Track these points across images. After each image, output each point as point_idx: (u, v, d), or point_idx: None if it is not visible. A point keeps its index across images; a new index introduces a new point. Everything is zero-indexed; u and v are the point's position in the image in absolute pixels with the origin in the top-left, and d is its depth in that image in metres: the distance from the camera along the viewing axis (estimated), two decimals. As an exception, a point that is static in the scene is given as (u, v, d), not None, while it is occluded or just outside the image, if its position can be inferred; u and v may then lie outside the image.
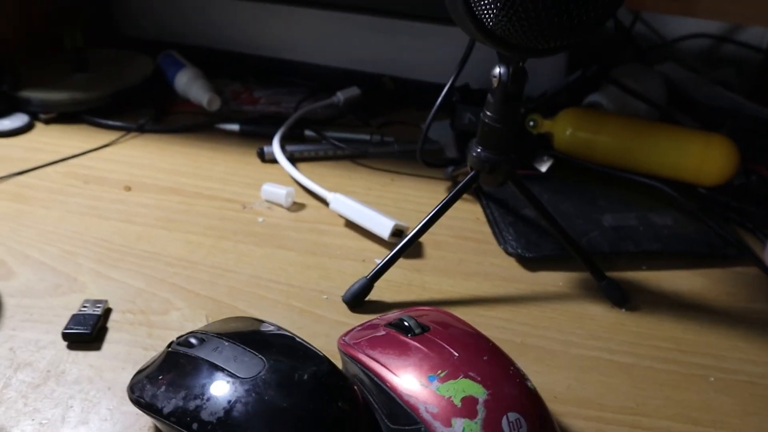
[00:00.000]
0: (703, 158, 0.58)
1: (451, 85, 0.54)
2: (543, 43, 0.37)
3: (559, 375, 0.42)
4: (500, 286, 0.49)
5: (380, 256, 0.51)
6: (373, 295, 0.47)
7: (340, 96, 0.69)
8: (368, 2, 0.72)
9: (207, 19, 0.77)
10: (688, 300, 0.50)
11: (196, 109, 0.70)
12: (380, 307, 0.46)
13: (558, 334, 0.46)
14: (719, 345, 0.46)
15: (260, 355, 0.35)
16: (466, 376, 0.34)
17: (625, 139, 0.60)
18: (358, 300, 0.45)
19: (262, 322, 0.40)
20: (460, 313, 0.46)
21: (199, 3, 0.77)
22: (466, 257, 0.52)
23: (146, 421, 0.36)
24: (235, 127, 0.66)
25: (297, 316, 0.45)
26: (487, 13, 0.37)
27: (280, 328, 0.39)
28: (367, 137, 0.65)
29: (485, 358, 0.36)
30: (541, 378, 0.42)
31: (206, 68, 0.74)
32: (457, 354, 0.35)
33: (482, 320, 0.46)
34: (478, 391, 0.33)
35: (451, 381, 0.34)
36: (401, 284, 0.49)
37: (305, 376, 0.34)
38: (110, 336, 0.42)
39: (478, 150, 0.45)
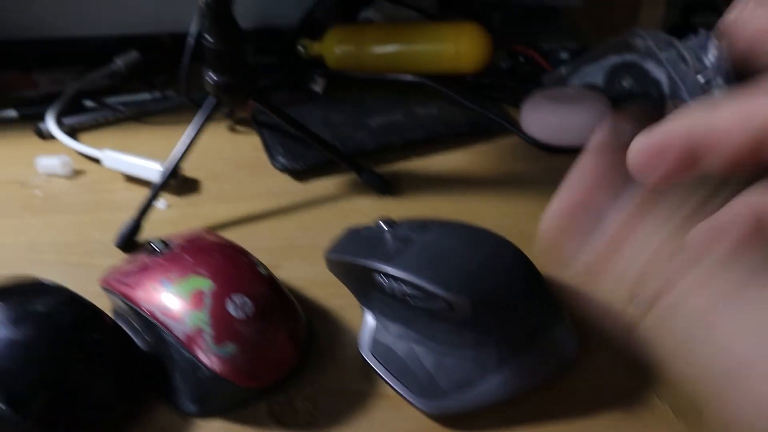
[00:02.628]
0: (456, 46, 0.62)
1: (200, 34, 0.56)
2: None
3: (322, 265, 0.45)
4: (273, 201, 0.52)
5: (157, 199, 0.52)
6: (148, 235, 0.48)
7: (119, 62, 0.69)
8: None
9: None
10: (453, 177, 0.54)
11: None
12: (155, 244, 0.48)
13: (325, 231, 0.48)
14: (479, 208, 0.50)
15: (-5, 302, 0.36)
16: (195, 273, 0.36)
17: (387, 44, 0.64)
18: (127, 241, 0.47)
19: (20, 276, 0.41)
20: (231, 232, 0.49)
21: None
22: (242, 183, 0.54)
23: None
24: (12, 113, 0.65)
25: (71, 270, 0.46)
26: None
27: (35, 276, 0.40)
28: (148, 96, 0.66)
29: (219, 257, 0.38)
30: (305, 272, 0.45)
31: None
32: (191, 260, 0.38)
33: (250, 234, 0.48)
34: (205, 285, 0.36)
35: (180, 280, 0.36)
36: (177, 220, 0.50)
37: (40, 308, 0.35)
38: None
39: (212, 76, 0.47)
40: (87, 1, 0.73)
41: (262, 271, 0.38)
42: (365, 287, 0.38)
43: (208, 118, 0.49)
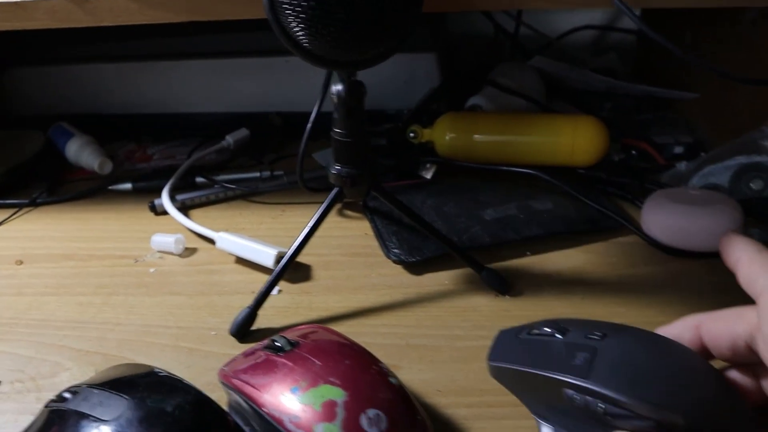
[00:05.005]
0: (573, 140, 0.60)
1: (318, 110, 0.56)
2: (356, 53, 0.40)
3: (443, 369, 0.43)
4: (386, 294, 0.50)
5: (269, 285, 0.52)
6: (262, 323, 0.47)
7: (230, 139, 0.71)
8: (242, 46, 0.74)
9: (97, 87, 0.78)
10: (571, 277, 0.52)
11: (90, 175, 0.71)
12: (269, 333, 0.46)
13: (443, 330, 0.47)
14: (598, 314, 0.48)
15: (125, 396, 0.35)
16: (326, 382, 0.35)
17: (499, 135, 0.63)
18: (243, 330, 0.46)
19: (141, 365, 0.40)
20: (345, 326, 0.47)
21: (88, 72, 0.78)
22: (354, 272, 0.53)
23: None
24: (128, 186, 0.67)
25: (185, 356, 0.45)
26: (300, 36, 0.39)
27: (156, 369, 0.39)
28: (257, 174, 0.67)
29: (347, 362, 0.37)
30: (424, 375, 0.43)
31: (101, 134, 0.75)
32: (320, 363, 0.36)
33: (367, 329, 0.47)
34: (337, 394, 0.34)
35: (312, 389, 0.35)
36: (289, 308, 0.50)
37: (169, 409, 0.34)
38: (-2, 408, 0.42)
39: (337, 167, 0.47)
40: (198, 81, 0.76)
41: (393, 381, 0.36)
42: (546, 399, 0.35)
43: (330, 208, 0.49)
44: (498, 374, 0.38)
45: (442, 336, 0.46)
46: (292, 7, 0.37)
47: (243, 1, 0.50)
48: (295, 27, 0.38)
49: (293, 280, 0.52)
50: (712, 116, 0.70)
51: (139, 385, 0.36)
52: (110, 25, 0.52)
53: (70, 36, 0.53)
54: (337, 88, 0.44)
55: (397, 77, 0.71)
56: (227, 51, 0.76)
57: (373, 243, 0.57)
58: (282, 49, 0.72)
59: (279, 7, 0.38)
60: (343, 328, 0.45)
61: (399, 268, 0.53)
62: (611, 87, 0.76)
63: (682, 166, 0.62)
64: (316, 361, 0.37)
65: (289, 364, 0.37)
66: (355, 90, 0.43)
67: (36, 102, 0.80)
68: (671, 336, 0.36)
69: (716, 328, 0.34)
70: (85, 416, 0.34)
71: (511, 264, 0.54)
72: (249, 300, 0.49)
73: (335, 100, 0.44)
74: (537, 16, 0.98)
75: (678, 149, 0.68)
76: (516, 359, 0.37)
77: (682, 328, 0.35)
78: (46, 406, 0.38)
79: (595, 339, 0.35)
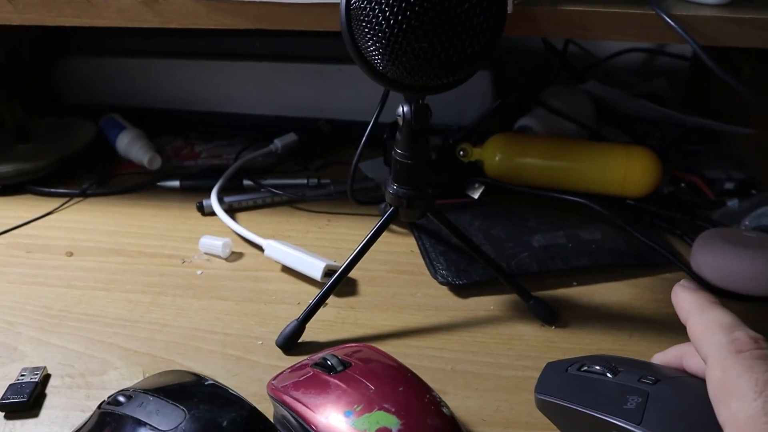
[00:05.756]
0: (626, 171, 0.60)
1: (374, 122, 0.56)
2: (432, 80, 0.39)
3: (488, 398, 0.43)
4: (432, 316, 0.51)
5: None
6: (307, 336, 0.48)
7: (278, 143, 0.71)
8: (296, 51, 0.74)
9: (148, 81, 0.79)
10: (618, 311, 0.52)
11: (138, 170, 0.72)
12: (314, 347, 0.47)
13: (488, 357, 0.47)
14: (646, 353, 0.47)
15: (182, 406, 0.36)
16: (381, 408, 0.35)
17: (550, 160, 0.62)
18: (290, 343, 0.47)
19: (190, 373, 0.41)
20: (391, 345, 0.48)
21: (139, 66, 0.79)
22: (400, 290, 0.53)
23: (78, 483, 0.37)
24: (176, 183, 0.68)
25: (232, 365, 0.46)
26: (375, 59, 0.39)
27: (205, 377, 0.40)
28: (304, 181, 0.67)
29: (401, 389, 0.37)
30: (470, 402, 0.43)
31: (149, 128, 0.75)
32: (373, 387, 0.37)
33: (413, 351, 0.47)
34: (392, 422, 0.34)
35: (366, 414, 0.35)
36: (335, 323, 0.50)
37: (224, 423, 0.35)
38: (48, 402, 0.43)
39: (395, 186, 0.47)
40: (249, 83, 0.76)
41: (446, 411, 0.36)
42: None
43: (384, 228, 0.49)
44: (545, 408, 0.38)
45: (487, 363, 0.46)
46: (374, 31, 0.37)
47: (316, 12, 0.50)
48: (372, 49, 0.38)
49: (339, 294, 0.53)
50: (766, 153, 0.70)
51: (194, 396, 0.37)
52: (177, 27, 0.53)
53: (125, 29, 0.53)
54: (403, 109, 0.44)
55: (450, 93, 0.71)
56: (279, 54, 0.76)
57: (419, 261, 0.57)
58: (335, 57, 0.73)
59: (358, 26, 0.38)
60: (389, 348, 0.45)
61: (445, 290, 0.54)
62: (664, 117, 0.75)
63: (734, 204, 0.61)
64: (370, 385, 0.37)
65: (343, 386, 0.37)
66: (421, 114, 0.43)
67: (87, 92, 0.81)
68: (663, 362, 0.37)
69: (694, 364, 0.34)
70: (141, 423, 0.35)
71: (557, 293, 0.53)
72: (295, 310, 0.50)
73: (400, 122, 0.44)
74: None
75: (729, 185, 0.67)
76: (565, 395, 0.37)
77: (671, 357, 0.37)
78: (100, 407, 0.38)
79: (648, 383, 0.34)
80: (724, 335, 0.31)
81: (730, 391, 0.28)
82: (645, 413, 0.33)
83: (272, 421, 0.40)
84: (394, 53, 0.37)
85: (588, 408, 0.35)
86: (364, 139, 0.56)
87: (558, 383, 0.38)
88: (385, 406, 0.35)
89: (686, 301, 0.35)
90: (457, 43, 0.37)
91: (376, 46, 0.38)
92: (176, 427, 0.34)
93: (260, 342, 0.48)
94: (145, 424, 0.35)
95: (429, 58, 0.37)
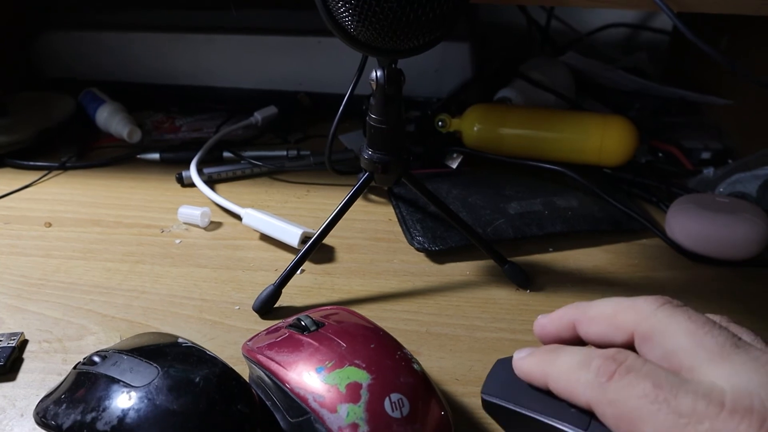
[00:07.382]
0: (602, 139, 0.60)
1: (351, 93, 0.56)
2: (402, 42, 0.40)
3: (462, 358, 0.44)
4: (408, 281, 0.51)
5: (293, 264, 0.52)
6: (284, 301, 0.48)
7: (258, 116, 0.71)
8: (276, 24, 0.74)
9: (127, 55, 0.79)
10: (592, 276, 0.52)
11: (118, 143, 0.72)
12: (291, 311, 0.48)
13: (463, 320, 0.47)
14: (618, 314, 0.48)
15: (155, 364, 0.36)
16: (352, 364, 0.35)
17: (528, 129, 0.63)
18: (266, 307, 0.47)
19: (168, 335, 0.41)
20: (367, 309, 0.48)
21: (119, 40, 0.78)
22: (377, 257, 0.54)
23: (53, 441, 0.37)
24: (155, 156, 0.68)
25: (209, 329, 0.46)
26: (346, 20, 0.39)
27: (183, 339, 0.40)
28: (284, 153, 0.67)
29: (372, 346, 0.37)
30: (444, 363, 0.43)
31: (130, 102, 0.75)
32: (345, 345, 0.37)
33: (388, 314, 0.47)
34: (362, 377, 0.35)
35: (337, 370, 0.35)
36: (311, 288, 0.50)
37: (197, 379, 0.35)
38: (25, 366, 0.43)
39: (369, 152, 0.47)
40: (229, 56, 0.76)
41: (416, 367, 0.37)
42: None
43: (359, 193, 0.49)
44: (491, 410, 0.37)
45: (462, 326, 0.47)
46: (343, -8, 0.37)
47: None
48: (342, 11, 0.38)
49: (316, 261, 0.53)
50: (742, 124, 0.70)
51: (168, 355, 0.37)
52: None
53: (104, 2, 0.53)
54: (376, 73, 0.44)
55: (429, 65, 0.71)
56: (259, 27, 0.76)
57: (397, 229, 0.57)
58: (314, 29, 0.73)
59: (327, -11, 0.38)
60: (365, 312, 0.46)
61: (421, 256, 0.54)
62: (643, 88, 0.75)
63: (709, 172, 0.62)
64: (342, 342, 0.37)
65: (315, 344, 0.37)
66: (394, 78, 0.44)
67: (67, 66, 0.80)
68: (550, 333, 0.36)
69: (593, 333, 0.33)
70: (114, 381, 0.35)
71: (533, 259, 0.54)
72: (272, 277, 0.50)
73: (373, 86, 0.44)
74: (569, 11, 0.98)
75: (706, 155, 0.67)
76: (510, 397, 0.35)
77: (562, 326, 0.35)
78: (75, 368, 0.38)
79: None
80: (585, 373, 0.30)
81: (631, 420, 0.28)
82: (592, 419, 0.31)
83: (249, 382, 0.40)
84: (363, 14, 0.37)
85: (534, 412, 0.34)
86: (340, 109, 0.56)
87: (506, 383, 0.37)
88: (356, 361, 0.36)
89: (530, 367, 0.34)
90: (426, 2, 0.37)
91: (345, 7, 0.38)
92: (149, 383, 0.35)
93: (237, 307, 0.48)
94: (118, 381, 0.35)
95: (398, 18, 0.37)
